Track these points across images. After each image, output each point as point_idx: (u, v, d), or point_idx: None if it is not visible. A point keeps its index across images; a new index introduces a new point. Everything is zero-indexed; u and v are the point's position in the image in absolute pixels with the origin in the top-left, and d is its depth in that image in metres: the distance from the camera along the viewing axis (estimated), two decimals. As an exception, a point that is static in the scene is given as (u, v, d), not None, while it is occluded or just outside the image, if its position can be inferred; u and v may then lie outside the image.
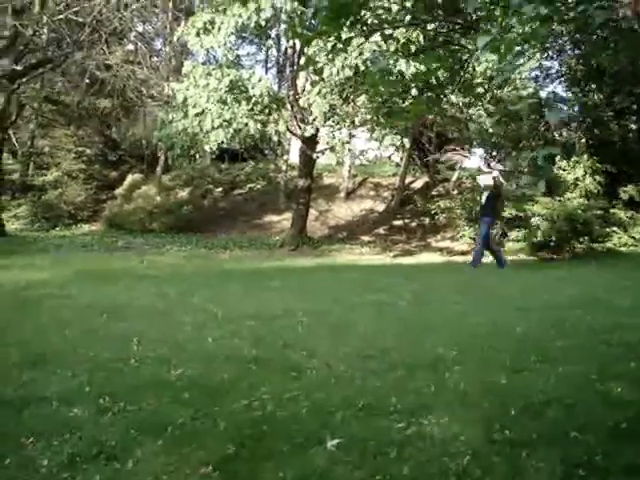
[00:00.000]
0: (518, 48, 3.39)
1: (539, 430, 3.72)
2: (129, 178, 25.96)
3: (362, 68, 14.51)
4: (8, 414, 3.99)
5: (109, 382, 4.62)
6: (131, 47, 26.78)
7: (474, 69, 13.57)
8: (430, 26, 5.76)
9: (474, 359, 5.33)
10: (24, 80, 21.41)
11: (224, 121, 16.60)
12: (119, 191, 25.49)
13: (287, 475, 3.17)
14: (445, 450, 3.48)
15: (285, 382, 4.68)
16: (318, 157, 19.80)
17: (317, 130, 18.50)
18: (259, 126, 17.41)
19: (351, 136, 18.79)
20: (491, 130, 18.86)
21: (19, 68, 20.69)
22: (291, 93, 18.68)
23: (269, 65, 29.57)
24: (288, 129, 18.90)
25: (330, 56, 11.96)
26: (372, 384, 4.64)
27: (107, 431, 3.71)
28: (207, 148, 17.99)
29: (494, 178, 14.20)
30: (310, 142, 19.23)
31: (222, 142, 17.40)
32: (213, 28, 16.02)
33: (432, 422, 3.87)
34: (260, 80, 17.10)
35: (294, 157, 25.47)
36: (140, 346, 5.72)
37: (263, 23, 16.19)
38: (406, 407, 4.11)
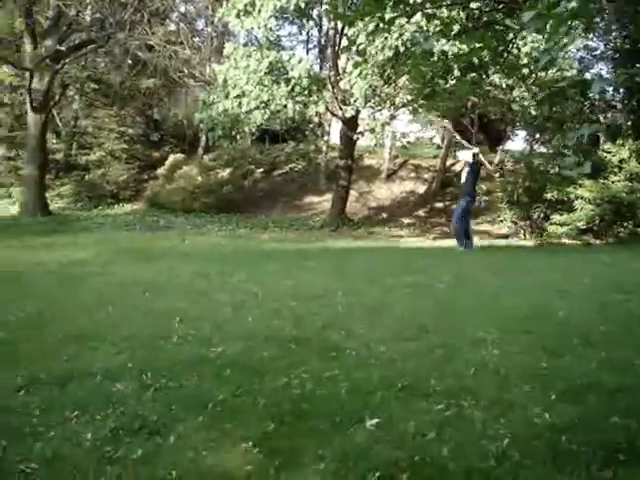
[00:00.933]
0: (564, 28, 3.32)
1: (580, 414, 3.69)
2: (171, 158, 26.13)
3: (402, 49, 14.39)
4: (53, 388, 4.08)
5: (151, 359, 4.69)
6: (173, 27, 26.88)
7: (519, 50, 13.37)
8: (474, 5, 5.69)
9: (514, 342, 5.30)
10: (68, 60, 21.61)
11: (262, 102, 16.61)
12: (161, 171, 25.70)
13: (327, 453, 3.19)
14: (484, 432, 3.47)
15: (324, 362, 4.70)
16: (358, 138, 19.72)
17: (358, 111, 18.41)
18: (298, 107, 17.40)
19: (392, 117, 18.67)
20: (534, 112, 18.58)
21: (63, 48, 20.89)
22: (332, 74, 18.60)
23: (310, 46, 29.48)
24: (329, 110, 18.84)
25: (370, 36, 11.91)
26: (411, 365, 4.64)
27: (149, 406, 3.77)
28: (247, 129, 18.03)
29: (474, 154, 14.15)
30: (351, 123, 19.17)
31: (261, 124, 17.43)
32: (254, 10, 16.01)
33: (471, 404, 3.86)
34: (300, 62, 17.06)
35: (335, 138, 25.42)
36: (181, 324, 5.79)
37: (303, 5, 16.14)
38: (445, 389, 4.10)
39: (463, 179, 14.38)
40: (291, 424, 3.55)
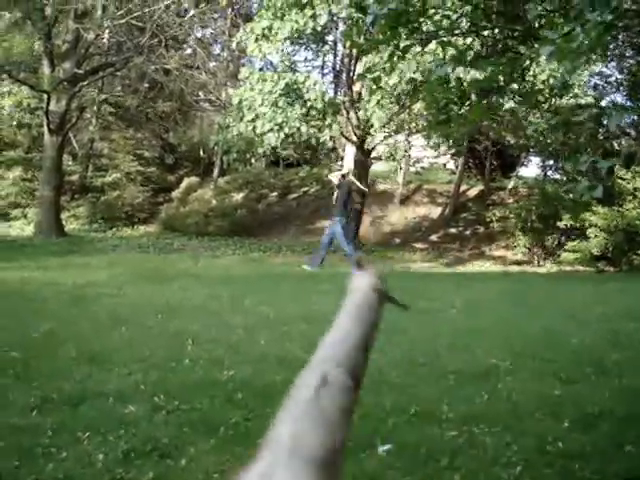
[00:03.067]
0: (581, 60, 3.35)
1: (592, 442, 3.67)
2: (185, 181, 26.25)
3: (418, 75, 14.47)
4: (66, 409, 4.10)
5: (163, 381, 4.71)
6: (190, 52, 27.14)
7: (535, 77, 13.40)
8: (488, 32, 5.72)
9: (527, 369, 5.28)
10: (85, 83, 21.82)
11: (276, 125, 16.66)
12: (175, 194, 25.80)
13: (338, 478, 3.18)
14: (496, 459, 3.45)
15: (336, 386, 4.69)
16: (372, 163, 19.77)
17: (370, 134, 18.48)
18: (312, 131, 17.47)
19: (407, 143, 18.74)
20: (548, 140, 18.58)
21: (81, 72, 21.11)
22: (347, 99, 18.70)
23: (326, 71, 29.67)
24: (343, 135, 18.93)
25: (388, 64, 12.01)
26: (423, 391, 4.63)
27: (161, 429, 3.78)
28: (260, 151, 18.11)
29: (343, 175, 14.64)
30: (364, 148, 19.23)
31: (276, 147, 17.48)
32: (272, 34, 16.15)
33: (484, 431, 3.85)
34: (315, 84, 17.17)
35: (348, 163, 25.49)
36: (194, 346, 5.80)
37: (319, 29, 16.29)
38: (458, 415, 4.09)
39: (334, 201, 14.90)
40: (303, 448, 3.53)
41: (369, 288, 1.36)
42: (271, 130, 16.72)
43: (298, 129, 17.05)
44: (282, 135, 16.86)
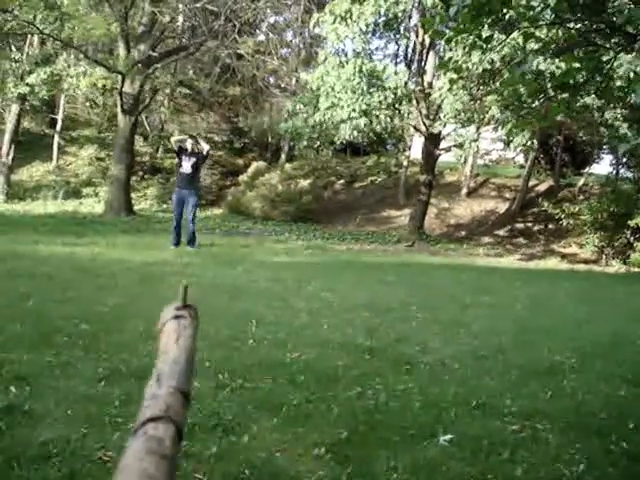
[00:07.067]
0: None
1: (659, 445, 3.60)
2: (253, 166, 26.43)
3: (498, 64, 14.25)
4: (133, 381, 4.18)
5: (228, 359, 4.78)
6: (262, 38, 27.31)
7: (614, 70, 13.05)
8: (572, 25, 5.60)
9: (593, 369, 5.20)
10: (159, 66, 22.15)
11: (360, 111, 16.46)
12: (242, 178, 26.01)
13: (399, 464, 3.19)
14: (559, 456, 3.42)
15: (398, 374, 4.71)
16: (440, 154, 19.60)
17: (442, 127, 18.31)
18: (388, 119, 17.37)
19: (478, 135, 18.47)
20: (630, 134, 18.05)
21: (155, 54, 21.42)
22: (418, 89, 18.55)
23: (398, 60, 29.51)
24: (412, 125, 18.80)
25: (466, 49, 11.82)
26: (486, 384, 4.61)
27: (225, 405, 3.84)
28: (337, 140, 18.05)
29: (181, 141, 12.95)
30: (434, 139, 19.08)
31: (351, 134, 17.28)
32: (350, 17, 16.03)
33: (547, 427, 3.81)
34: (396, 73, 17.09)
35: (416, 153, 25.33)
36: (258, 327, 5.87)
37: (400, 13, 16.19)
38: (520, 410, 4.06)
39: (188, 170, 12.67)
40: (364, 434, 3.56)
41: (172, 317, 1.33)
42: (352, 118, 16.51)
43: (377, 117, 16.96)
44: (362, 123, 16.68)
